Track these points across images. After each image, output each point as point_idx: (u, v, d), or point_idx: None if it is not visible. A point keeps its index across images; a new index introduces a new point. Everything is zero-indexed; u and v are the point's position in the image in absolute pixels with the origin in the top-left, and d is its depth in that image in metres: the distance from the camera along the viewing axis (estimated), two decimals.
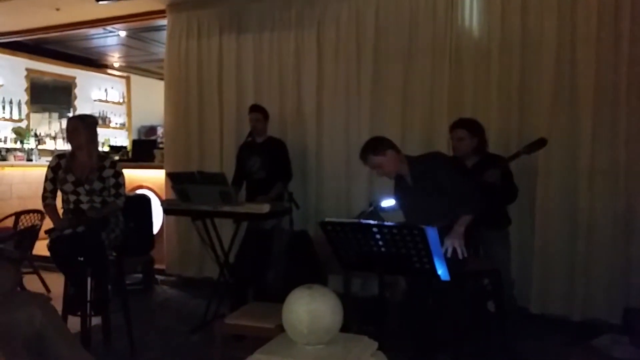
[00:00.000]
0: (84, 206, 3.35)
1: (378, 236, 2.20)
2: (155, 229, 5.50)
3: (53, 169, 3.42)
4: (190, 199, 3.81)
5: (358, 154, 4.40)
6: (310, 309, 1.93)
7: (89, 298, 3.31)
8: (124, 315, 3.50)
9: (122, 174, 3.47)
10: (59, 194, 3.46)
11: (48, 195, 3.44)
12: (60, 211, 3.44)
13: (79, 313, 3.28)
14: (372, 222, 2.21)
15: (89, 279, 3.32)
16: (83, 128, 3.40)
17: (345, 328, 3.37)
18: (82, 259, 3.25)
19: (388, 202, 2.81)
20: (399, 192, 3.11)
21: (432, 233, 2.10)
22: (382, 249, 2.23)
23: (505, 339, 3.21)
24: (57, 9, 5.39)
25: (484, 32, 4.17)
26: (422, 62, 4.34)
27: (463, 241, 2.68)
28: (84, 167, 3.39)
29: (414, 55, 4.37)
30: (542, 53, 3.97)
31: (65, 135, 3.52)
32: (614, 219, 3.79)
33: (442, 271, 2.21)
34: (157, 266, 5.40)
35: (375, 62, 4.49)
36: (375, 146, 3.00)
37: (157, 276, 5.39)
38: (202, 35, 5.18)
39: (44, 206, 3.44)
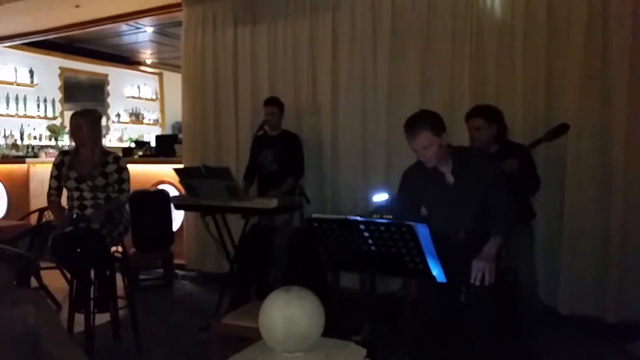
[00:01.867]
0: (88, 202, 3.32)
1: (366, 234, 2.02)
2: (177, 224, 5.51)
3: (57, 166, 3.40)
4: (198, 194, 3.72)
5: (375, 145, 4.32)
6: (285, 314, 1.78)
7: (92, 295, 3.27)
8: (130, 312, 3.46)
9: (125, 169, 3.42)
10: (65, 191, 3.44)
11: (53, 193, 3.43)
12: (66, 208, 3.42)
13: (83, 311, 3.24)
14: (359, 218, 2.03)
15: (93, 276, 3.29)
16: (85, 125, 3.36)
17: (357, 329, 3.21)
18: (83, 256, 3.20)
19: (380, 197, 2.56)
20: (422, 185, 2.73)
21: (422, 230, 1.91)
22: (372, 248, 2.05)
23: (524, 341, 2.97)
24: (77, 6, 5.41)
25: (507, 12, 3.88)
26: (441, 46, 4.10)
27: (494, 265, 2.44)
28: (86, 163, 3.35)
29: (432, 39, 4.13)
30: (570, 34, 3.66)
31: (69, 132, 3.46)
32: None
33: (437, 272, 2.01)
34: (177, 261, 5.37)
35: (392, 48, 4.27)
36: (435, 123, 2.55)
37: (177, 271, 5.37)
38: (217, 27, 5.09)
39: (48, 203, 3.43)
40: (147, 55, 9.64)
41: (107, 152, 3.46)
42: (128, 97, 9.58)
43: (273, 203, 3.53)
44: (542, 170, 3.47)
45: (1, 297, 2.59)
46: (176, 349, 3.55)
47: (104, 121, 9.06)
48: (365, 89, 4.40)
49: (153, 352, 3.46)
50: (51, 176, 3.42)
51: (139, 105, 9.79)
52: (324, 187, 4.53)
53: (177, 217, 5.51)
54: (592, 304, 3.62)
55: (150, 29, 7.62)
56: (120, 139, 9.32)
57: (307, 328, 1.79)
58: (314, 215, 2.14)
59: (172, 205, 5.22)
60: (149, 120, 10.05)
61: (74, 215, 3.24)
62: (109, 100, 9.28)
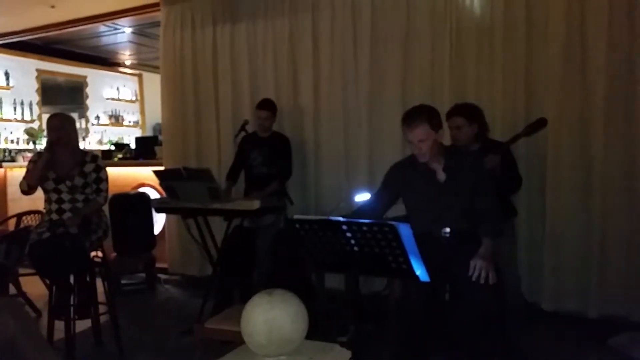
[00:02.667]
0: (66, 206, 3.27)
1: (349, 234, 1.99)
2: (158, 227, 5.43)
3: (34, 162, 3.32)
4: (179, 196, 3.66)
5: (357, 145, 4.30)
6: (268, 318, 1.75)
7: (72, 302, 3.20)
8: (111, 317, 3.40)
9: (103, 168, 3.37)
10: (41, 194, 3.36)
11: None
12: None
13: (63, 317, 3.18)
14: (341, 218, 2.00)
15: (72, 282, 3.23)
16: (68, 125, 3.33)
17: (342, 329, 3.18)
18: (62, 262, 3.13)
19: (362, 197, 2.54)
20: (408, 182, 2.70)
21: (404, 230, 1.89)
22: (355, 248, 2.03)
23: (508, 338, 2.98)
24: (52, 7, 5.31)
25: (486, 9, 3.89)
26: (421, 45, 4.09)
27: (492, 265, 2.43)
28: (65, 163, 3.30)
29: (412, 38, 4.12)
30: (548, 30, 3.69)
31: (47, 131, 3.39)
32: (631, 207, 3.50)
33: (420, 272, 2.00)
34: (160, 265, 5.30)
35: (372, 46, 4.25)
36: (433, 118, 2.55)
37: (159, 275, 5.29)
38: (196, 27, 5.03)
39: (21, 184, 3.29)
40: (126, 56, 9.50)
41: (84, 152, 3.41)
42: (107, 99, 9.44)
43: (256, 205, 3.49)
44: (523, 168, 3.49)
45: None
46: (159, 354, 3.50)
47: (83, 123, 8.93)
48: (346, 89, 4.38)
49: (135, 357, 3.41)
50: (27, 171, 3.34)
51: (119, 107, 9.65)
52: (306, 188, 4.50)
53: (159, 221, 5.44)
54: (574, 300, 3.64)
55: (128, 30, 7.51)
56: (100, 142, 9.18)
57: (290, 332, 1.77)
58: (296, 217, 2.10)
59: (152, 210, 5.21)
60: (129, 122, 9.92)
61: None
62: (88, 102, 9.14)
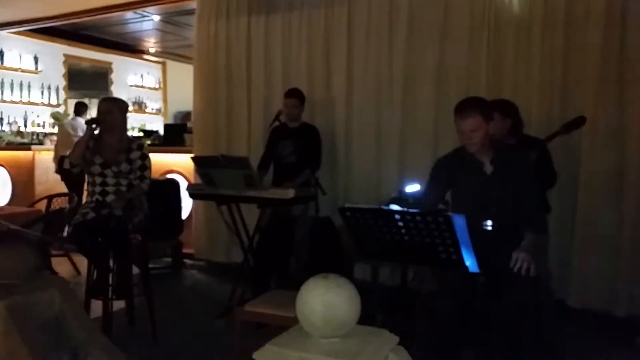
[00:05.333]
0: (110, 189, 3.34)
1: (401, 224, 2.04)
2: (185, 213, 5.52)
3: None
4: (215, 183, 3.73)
5: (388, 138, 4.34)
6: (324, 300, 1.80)
7: (111, 282, 3.29)
8: (147, 299, 3.47)
9: (148, 156, 3.45)
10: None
11: None
12: (85, 193, 3.43)
13: (102, 297, 3.26)
14: (394, 208, 2.05)
15: (112, 263, 3.30)
16: (117, 110, 3.39)
17: (370, 319, 3.24)
18: (105, 243, 3.22)
19: (413, 188, 2.57)
20: (456, 174, 2.71)
21: (459, 221, 1.93)
22: (405, 238, 2.08)
23: (541, 334, 3.01)
24: None
25: (526, 6, 3.90)
26: (458, 40, 4.12)
27: (534, 259, 2.46)
28: (112, 148, 3.37)
29: (449, 32, 4.15)
30: (588, 29, 3.70)
31: (97, 115, 3.46)
32: None
33: (470, 262, 2.05)
34: (186, 250, 5.39)
35: (408, 41, 4.28)
36: (486, 110, 2.58)
37: (185, 260, 5.38)
38: (230, 16, 5.08)
39: (64, 162, 3.37)
40: (151, 44, 9.60)
41: (131, 139, 3.48)
42: (131, 86, 9.55)
43: (290, 193, 3.53)
44: (556, 164, 3.50)
45: (27, 283, 2.61)
46: (192, 336, 3.57)
47: None
48: (379, 82, 4.42)
49: (169, 339, 3.48)
50: None
51: (142, 94, 9.76)
52: (336, 179, 4.55)
53: (185, 207, 5.52)
54: (602, 298, 3.67)
55: (157, 18, 7.58)
56: None
57: (345, 315, 1.82)
58: (347, 205, 2.16)
59: (181, 195, 5.29)
60: (152, 109, 10.02)
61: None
62: (112, 88, 9.25)
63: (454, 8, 4.13)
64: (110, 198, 3.31)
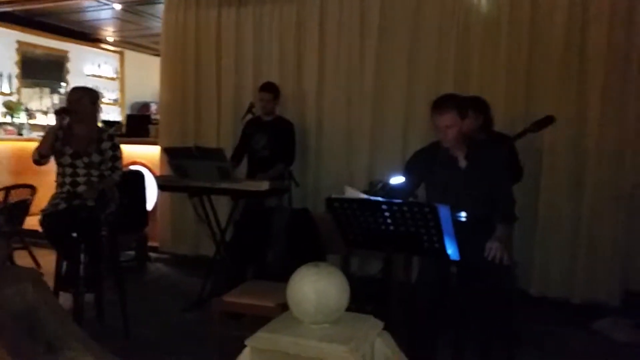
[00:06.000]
0: (80, 179, 3.27)
1: (387, 214, 2.11)
2: (149, 206, 5.42)
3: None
4: (188, 174, 3.69)
5: (359, 132, 4.42)
6: (317, 287, 1.84)
7: (81, 274, 3.21)
8: (119, 292, 3.41)
9: (119, 147, 3.39)
10: (54, 168, 3.35)
11: None
12: (54, 185, 3.34)
13: (71, 290, 3.18)
14: (381, 199, 2.11)
15: (82, 255, 3.23)
16: (88, 100, 3.31)
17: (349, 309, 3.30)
18: (75, 234, 3.14)
19: (397, 180, 2.65)
20: (431, 168, 2.80)
21: (444, 211, 2.01)
22: (391, 227, 2.14)
23: (511, 320, 3.15)
24: None
25: (493, 6, 4.06)
26: (428, 37, 4.23)
27: (506, 248, 2.58)
28: (82, 139, 3.29)
29: (419, 30, 4.25)
30: (552, 28, 3.89)
31: (66, 104, 3.37)
32: (618, 204, 3.75)
33: (452, 251, 2.13)
34: (150, 243, 5.30)
35: (379, 37, 4.36)
36: (462, 106, 2.68)
37: (150, 254, 5.30)
38: (200, 7, 5.02)
39: (34, 154, 3.26)
40: (109, 32, 9.31)
41: (101, 130, 3.41)
42: (88, 75, 9.25)
43: (264, 186, 3.55)
44: (520, 158, 3.66)
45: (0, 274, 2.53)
46: (162, 329, 3.53)
47: (63, 100, 8.73)
48: (351, 77, 4.48)
49: (141, 332, 3.43)
50: None
51: (99, 83, 9.43)
52: (307, 173, 4.59)
53: (149, 199, 5.42)
54: (561, 287, 3.88)
55: (118, 6, 7.37)
56: None
57: (336, 301, 1.86)
58: (334, 196, 2.21)
59: (145, 187, 5.20)
60: (109, 99, 9.74)
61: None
62: (69, 77, 8.93)
63: (424, 6, 4.24)
64: (81, 189, 3.23)
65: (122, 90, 10.08)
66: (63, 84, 8.82)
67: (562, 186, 3.88)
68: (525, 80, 3.95)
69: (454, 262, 2.69)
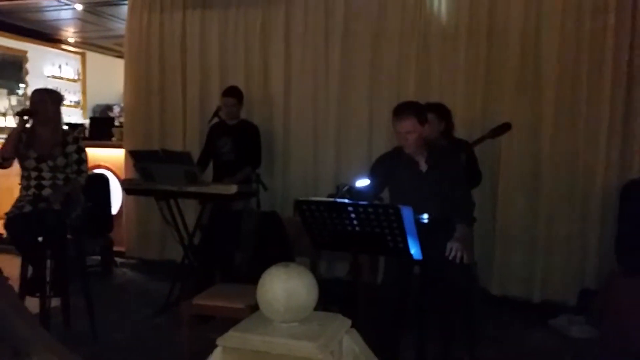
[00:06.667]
0: (46, 183, 3.24)
1: (353, 215, 2.19)
2: (114, 210, 5.37)
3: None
4: (154, 178, 3.69)
5: (325, 136, 4.50)
6: (286, 287, 1.90)
7: (47, 279, 3.18)
8: (85, 296, 3.40)
9: (84, 150, 3.38)
10: (11, 171, 3.31)
11: None
12: (18, 187, 3.29)
13: (38, 294, 3.15)
14: (347, 201, 2.20)
15: (47, 260, 3.20)
16: (50, 101, 3.28)
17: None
18: (40, 238, 3.12)
19: (362, 183, 2.74)
20: (394, 171, 2.90)
21: (407, 213, 2.11)
22: (357, 228, 2.22)
23: (472, 318, 3.28)
24: None
25: (452, 18, 4.21)
26: (390, 45, 4.35)
27: (466, 247, 2.69)
28: (46, 142, 3.26)
29: (382, 39, 4.37)
30: (507, 39, 4.05)
31: (30, 106, 3.34)
32: (571, 202, 3.94)
33: (414, 250, 2.23)
34: (116, 248, 5.25)
35: (343, 42, 4.46)
36: (421, 114, 2.78)
37: (116, 258, 5.24)
38: (164, 10, 5.01)
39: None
40: (70, 33, 9.13)
41: (66, 132, 3.38)
42: (49, 77, 9.04)
43: (233, 189, 3.58)
44: (479, 164, 3.81)
45: None
46: (131, 334, 3.53)
47: (19, 101, 8.52)
48: (316, 82, 4.56)
49: (108, 336, 3.42)
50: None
51: (60, 85, 9.19)
52: (275, 176, 4.63)
53: (114, 203, 5.37)
54: (520, 286, 4.04)
55: (79, 6, 7.25)
56: None
57: (306, 300, 1.93)
58: (301, 198, 2.27)
59: (110, 191, 5.15)
60: (70, 101, 9.54)
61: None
62: (28, 78, 8.71)
63: (386, 14, 4.35)
64: (46, 192, 3.21)
65: (83, 92, 9.89)
66: (22, 85, 8.61)
67: (518, 190, 4.05)
68: (483, 87, 4.11)
69: (417, 262, 2.83)
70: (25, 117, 3.24)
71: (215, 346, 1.91)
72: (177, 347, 3.14)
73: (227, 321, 2.88)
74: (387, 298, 2.80)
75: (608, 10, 3.80)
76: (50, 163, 3.22)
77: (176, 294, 3.96)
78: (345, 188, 2.57)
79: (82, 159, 3.34)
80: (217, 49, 4.85)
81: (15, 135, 3.20)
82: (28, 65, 8.74)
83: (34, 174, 3.22)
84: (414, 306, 3.05)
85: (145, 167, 3.70)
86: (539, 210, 3.99)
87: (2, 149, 3.19)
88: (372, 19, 4.39)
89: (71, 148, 3.29)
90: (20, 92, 8.55)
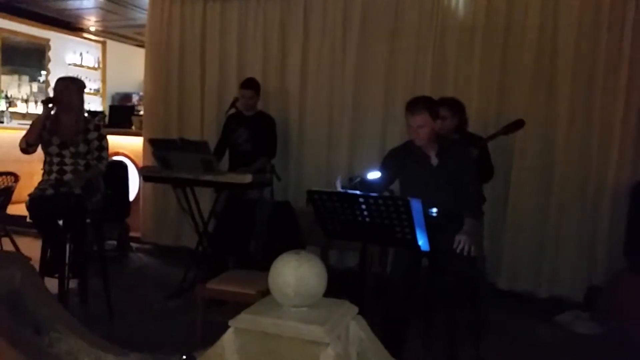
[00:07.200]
0: (68, 168, 3.35)
1: (364, 206, 2.25)
2: (131, 196, 5.49)
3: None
4: (172, 166, 3.79)
5: (340, 128, 4.56)
6: (297, 273, 1.98)
7: (66, 261, 3.30)
8: (103, 279, 3.51)
9: (105, 137, 3.47)
10: (35, 156, 3.42)
11: None
12: (40, 172, 3.41)
13: (56, 275, 3.27)
14: (358, 192, 2.26)
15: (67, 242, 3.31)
16: (74, 89, 3.39)
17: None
18: (61, 222, 3.23)
19: (373, 175, 2.81)
20: (405, 165, 2.96)
21: (416, 205, 2.17)
22: (367, 219, 2.29)
23: (478, 311, 3.33)
24: None
25: (469, 12, 4.23)
26: (407, 40, 4.38)
27: (474, 241, 2.74)
28: (69, 129, 3.36)
29: (399, 33, 4.41)
30: (524, 35, 4.07)
31: (54, 95, 3.45)
32: (582, 200, 3.96)
33: (422, 242, 2.29)
34: (132, 234, 5.38)
35: (360, 37, 4.50)
36: (434, 108, 2.86)
37: (132, 244, 5.37)
38: (185, 1, 5.09)
39: (21, 142, 3.33)
40: (92, 22, 9.28)
41: (88, 120, 3.48)
42: (70, 65, 9.21)
43: (248, 178, 3.66)
44: (492, 157, 3.83)
45: None
46: (146, 315, 3.63)
47: (44, 88, 8.71)
48: (332, 75, 4.62)
49: (124, 318, 3.53)
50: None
51: (81, 73, 9.37)
52: (289, 167, 4.71)
53: (132, 190, 5.49)
54: (528, 281, 4.08)
55: None
56: None
57: (315, 286, 2.01)
58: (314, 189, 2.34)
59: (128, 178, 5.26)
60: (90, 89, 9.68)
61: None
62: (50, 66, 8.89)
63: (404, 9, 4.39)
64: (68, 177, 3.31)
65: (103, 80, 10.05)
66: (43, 72, 8.78)
67: (530, 185, 4.08)
68: (498, 83, 4.14)
69: (425, 253, 2.89)
70: (50, 105, 3.34)
71: (227, 329, 2.00)
72: (189, 330, 3.24)
73: (240, 306, 2.98)
74: (394, 288, 2.85)
75: (627, 3, 3.79)
76: (72, 149, 3.32)
77: (190, 279, 4.06)
78: (357, 180, 2.63)
79: (103, 146, 3.44)
80: (236, 41, 4.93)
81: (39, 122, 3.30)
82: (50, 53, 8.91)
83: (56, 159, 3.33)
84: (421, 297, 3.13)
85: (164, 155, 3.80)
86: (550, 206, 4.01)
87: (26, 135, 3.30)
88: (389, 14, 4.43)
89: (93, 135, 3.40)
90: (41, 79, 8.73)
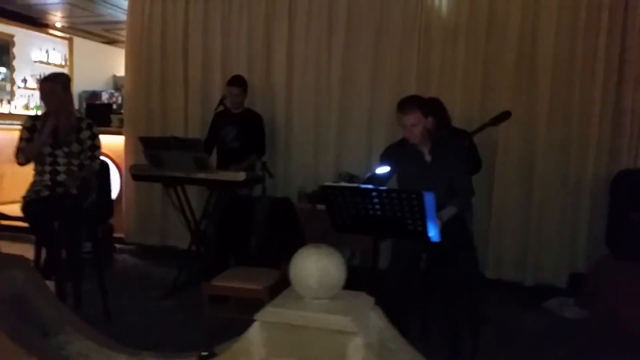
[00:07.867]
0: (61, 168, 3.29)
1: (376, 200, 2.32)
2: (112, 196, 5.40)
3: (29, 129, 3.30)
4: (163, 164, 3.76)
5: (326, 125, 4.61)
6: (319, 266, 2.02)
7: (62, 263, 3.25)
8: (99, 280, 3.47)
9: (98, 136, 3.42)
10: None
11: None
12: (32, 173, 3.33)
13: (54, 278, 3.21)
14: (370, 186, 2.32)
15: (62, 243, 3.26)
16: (61, 88, 3.31)
17: None
18: (56, 223, 3.18)
19: (382, 170, 2.88)
20: (401, 161, 3.03)
21: (429, 198, 2.25)
22: (378, 213, 2.35)
23: (475, 301, 3.43)
24: None
25: (453, 11, 4.34)
26: (392, 38, 4.46)
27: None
28: (61, 129, 3.29)
29: (384, 31, 4.48)
30: (506, 35, 4.21)
31: (40, 97, 3.37)
32: (564, 190, 4.14)
33: (433, 233, 2.37)
34: (114, 235, 5.29)
35: (346, 34, 4.56)
36: (425, 107, 2.91)
37: (115, 244, 5.29)
38: None
39: (19, 157, 3.28)
40: (58, 18, 9.03)
41: (80, 118, 3.42)
42: (36, 62, 8.95)
43: (241, 176, 3.68)
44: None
45: None
46: (143, 316, 3.60)
47: (9, 86, 8.44)
48: (318, 72, 4.66)
49: (122, 319, 3.49)
50: (21, 139, 3.30)
51: (47, 70, 9.06)
52: (277, 164, 4.71)
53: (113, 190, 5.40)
54: (514, 270, 4.24)
55: None
56: (27, 107, 8.70)
57: (336, 279, 2.06)
58: (326, 184, 2.39)
59: (110, 177, 5.17)
60: None
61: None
62: (15, 63, 8.62)
63: (389, 8, 4.46)
64: (61, 178, 3.26)
65: (71, 78, 9.80)
66: (3, 69, 8.49)
67: (513, 177, 4.24)
68: (481, 81, 4.27)
69: (424, 249, 2.97)
70: (46, 120, 3.26)
71: (231, 326, 2.02)
72: (190, 327, 3.26)
73: (242, 302, 3.01)
74: (393, 281, 2.93)
75: (601, 9, 3.98)
76: (65, 149, 3.26)
77: (184, 278, 4.04)
78: (368, 175, 2.70)
79: (96, 145, 3.39)
80: (219, 38, 4.89)
81: (43, 142, 3.22)
82: (15, 50, 8.63)
83: (49, 159, 3.26)
84: (421, 289, 3.22)
85: (155, 154, 3.77)
86: (533, 197, 4.18)
87: (26, 151, 3.24)
88: (374, 13, 4.49)
89: (85, 134, 3.34)
90: (1, 77, 8.44)
